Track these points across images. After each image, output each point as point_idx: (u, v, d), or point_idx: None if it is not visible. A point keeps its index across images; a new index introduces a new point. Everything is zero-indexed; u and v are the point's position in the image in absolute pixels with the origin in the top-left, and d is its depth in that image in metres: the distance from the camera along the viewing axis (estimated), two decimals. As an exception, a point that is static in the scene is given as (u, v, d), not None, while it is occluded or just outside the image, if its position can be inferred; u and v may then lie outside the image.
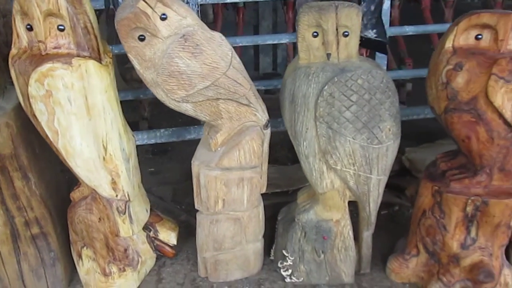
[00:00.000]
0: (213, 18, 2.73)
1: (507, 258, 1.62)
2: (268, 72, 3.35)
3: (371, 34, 1.81)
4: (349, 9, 1.31)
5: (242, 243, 1.57)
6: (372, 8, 1.79)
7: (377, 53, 2.03)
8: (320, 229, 1.49)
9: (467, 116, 1.25)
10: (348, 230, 1.50)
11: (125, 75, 2.47)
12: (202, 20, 1.33)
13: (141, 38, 1.25)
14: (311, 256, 1.54)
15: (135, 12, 1.21)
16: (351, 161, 1.36)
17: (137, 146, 2.40)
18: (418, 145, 2.29)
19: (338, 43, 1.34)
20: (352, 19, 1.32)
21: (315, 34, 1.34)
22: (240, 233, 1.55)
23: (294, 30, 2.29)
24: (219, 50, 1.29)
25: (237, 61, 1.34)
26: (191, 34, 1.25)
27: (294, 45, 2.16)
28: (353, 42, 1.36)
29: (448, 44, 1.27)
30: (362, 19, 1.82)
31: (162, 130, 2.00)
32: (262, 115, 1.45)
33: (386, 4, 1.91)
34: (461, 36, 1.26)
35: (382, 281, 1.59)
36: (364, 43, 1.87)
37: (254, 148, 1.43)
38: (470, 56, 1.23)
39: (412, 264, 1.53)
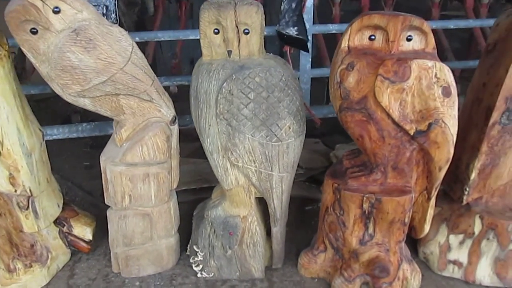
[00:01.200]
0: (153, 11, 2.70)
1: (416, 253, 1.68)
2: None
3: (292, 31, 1.82)
4: (248, 6, 1.31)
5: (154, 238, 1.56)
6: (293, 5, 1.80)
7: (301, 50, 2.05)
8: (227, 225, 1.50)
9: (358, 115, 1.27)
10: (255, 226, 1.52)
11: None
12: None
13: (33, 31, 1.23)
14: (221, 252, 1.55)
15: (23, 5, 1.18)
16: (251, 158, 1.37)
17: (75, 140, 2.38)
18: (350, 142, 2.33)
19: (239, 41, 1.35)
20: (252, 16, 1.32)
21: (216, 31, 1.34)
22: (151, 229, 1.54)
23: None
24: (117, 45, 1.28)
25: (138, 56, 1.33)
26: (84, 29, 1.23)
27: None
28: (255, 39, 1.36)
29: (344, 44, 1.29)
30: (284, 17, 1.84)
31: (84, 124, 1.98)
32: (167, 111, 1.44)
33: (310, 2, 1.92)
34: (356, 36, 1.28)
35: (292, 276, 1.61)
36: (286, 40, 1.89)
37: (158, 144, 1.42)
38: (361, 57, 1.25)
39: (320, 259, 1.56)
